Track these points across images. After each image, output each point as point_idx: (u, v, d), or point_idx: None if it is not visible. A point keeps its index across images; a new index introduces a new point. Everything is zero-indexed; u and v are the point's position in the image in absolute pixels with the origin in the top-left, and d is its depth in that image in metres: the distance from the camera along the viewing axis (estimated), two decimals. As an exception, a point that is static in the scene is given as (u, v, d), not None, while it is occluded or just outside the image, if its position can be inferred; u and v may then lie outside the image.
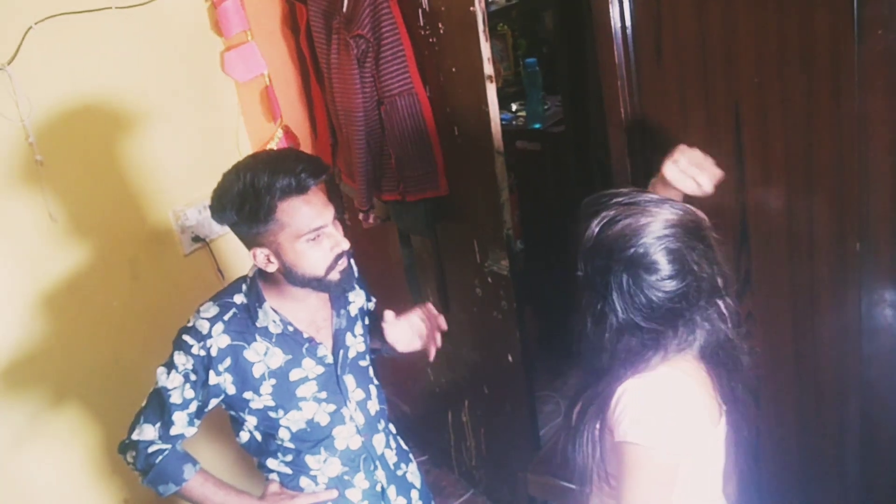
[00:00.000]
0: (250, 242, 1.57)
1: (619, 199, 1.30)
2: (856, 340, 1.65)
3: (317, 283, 1.60)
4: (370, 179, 2.44)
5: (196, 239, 2.58)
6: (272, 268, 1.58)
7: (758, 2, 1.50)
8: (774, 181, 1.62)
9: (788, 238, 1.64)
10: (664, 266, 1.25)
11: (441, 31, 2.17)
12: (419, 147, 2.30)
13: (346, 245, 1.60)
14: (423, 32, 2.22)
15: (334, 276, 1.61)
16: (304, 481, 1.75)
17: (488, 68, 2.08)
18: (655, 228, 1.25)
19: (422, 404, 3.02)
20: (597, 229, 1.28)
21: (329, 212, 1.58)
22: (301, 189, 1.52)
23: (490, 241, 2.32)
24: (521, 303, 2.34)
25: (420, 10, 2.19)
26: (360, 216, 2.66)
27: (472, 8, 2.02)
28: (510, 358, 2.45)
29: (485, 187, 2.25)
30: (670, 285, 1.25)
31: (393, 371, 2.83)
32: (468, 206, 2.36)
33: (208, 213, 2.54)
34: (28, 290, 2.18)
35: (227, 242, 2.63)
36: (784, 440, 1.85)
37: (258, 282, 1.66)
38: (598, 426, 1.36)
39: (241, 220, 1.52)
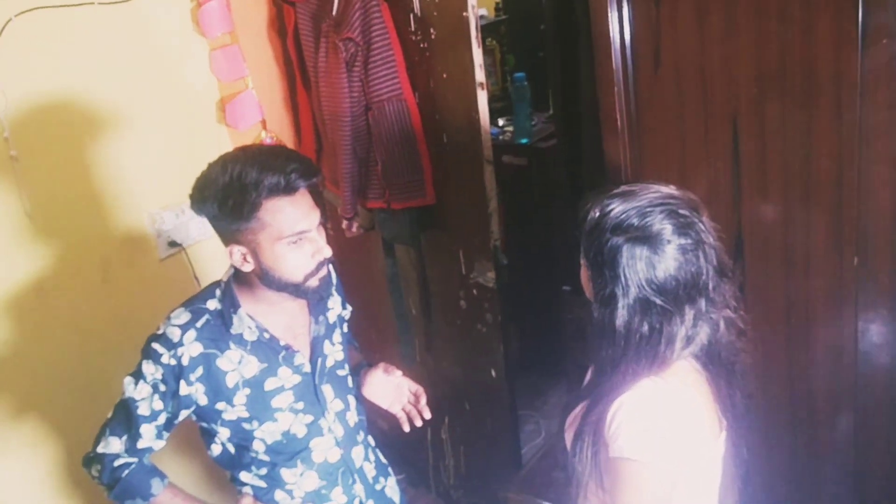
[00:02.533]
0: (228, 239, 1.50)
1: (619, 190, 1.28)
2: (851, 359, 1.61)
3: (293, 289, 1.54)
4: (355, 186, 2.39)
5: (172, 244, 2.50)
6: (248, 267, 1.51)
7: (759, 10, 1.47)
8: (771, 194, 1.58)
9: (784, 252, 1.61)
10: (674, 232, 1.22)
11: (432, 37, 2.12)
12: (406, 154, 2.25)
13: (328, 252, 1.54)
14: (413, 38, 2.17)
15: (313, 282, 1.54)
16: (279, 495, 1.67)
17: (480, 75, 2.04)
18: (657, 199, 1.24)
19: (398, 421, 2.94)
20: (598, 212, 1.25)
21: (315, 216, 1.52)
22: (289, 189, 1.45)
23: (476, 252, 2.27)
24: (506, 316, 2.29)
25: (411, 15, 2.15)
26: (344, 224, 2.60)
27: (464, 13, 1.98)
28: (493, 373, 2.39)
29: (473, 197, 2.20)
30: (681, 252, 1.22)
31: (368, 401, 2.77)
32: (455, 215, 2.31)
33: (186, 217, 2.54)
34: (-6, 290, 2.10)
35: (205, 248, 2.55)
36: (774, 460, 1.81)
37: (233, 286, 1.58)
38: (592, 440, 1.31)
39: (223, 214, 1.45)
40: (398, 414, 1.80)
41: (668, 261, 1.22)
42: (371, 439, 1.86)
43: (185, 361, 1.52)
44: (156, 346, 1.53)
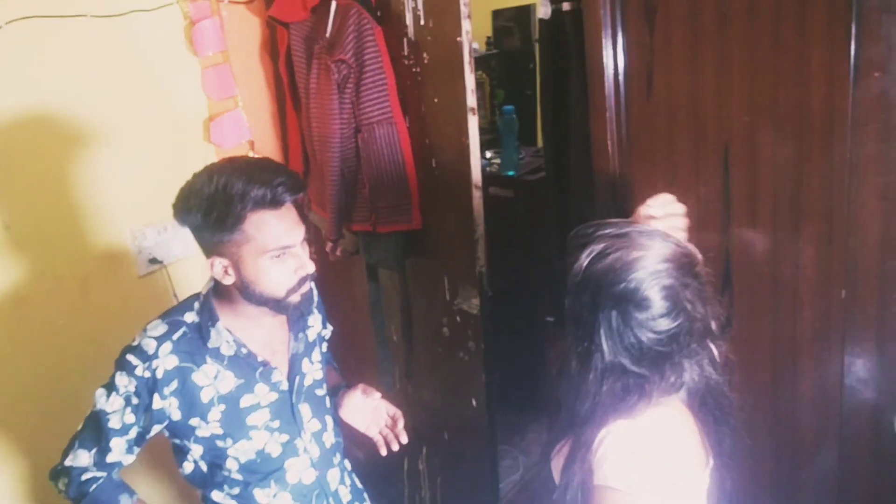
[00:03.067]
0: (210, 250, 1.47)
1: (609, 231, 1.23)
2: (836, 393, 1.60)
3: (274, 304, 1.50)
4: (342, 208, 2.37)
5: (153, 261, 2.46)
6: (228, 280, 1.48)
7: (753, 40, 1.48)
8: (761, 225, 1.58)
9: (773, 283, 1.60)
10: (657, 303, 1.18)
11: (425, 61, 2.12)
12: (394, 178, 2.24)
13: (311, 268, 1.51)
14: (406, 62, 2.18)
15: (294, 298, 1.51)
16: (251, 515, 1.62)
17: (471, 100, 2.04)
18: (648, 263, 1.19)
19: (377, 451, 2.89)
20: (586, 262, 1.21)
21: (299, 231, 1.49)
22: (275, 203, 1.43)
23: (461, 278, 2.25)
24: (489, 344, 2.26)
25: (405, 39, 2.15)
26: (328, 248, 2.58)
27: (458, 38, 1.99)
28: (474, 402, 2.35)
29: (460, 222, 2.18)
30: (662, 324, 1.19)
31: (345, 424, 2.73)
32: (441, 241, 2.29)
33: (168, 234, 2.51)
34: (-32, 299, 2.05)
35: (186, 266, 2.51)
36: (758, 494, 1.78)
37: (212, 299, 1.55)
38: (581, 469, 1.27)
39: (206, 225, 1.42)
40: (375, 437, 1.77)
41: (645, 332, 1.19)
42: (348, 463, 1.82)
43: (159, 374, 1.48)
44: (130, 357, 1.49)
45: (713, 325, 1.24)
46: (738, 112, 1.54)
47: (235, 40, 2.54)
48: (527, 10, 3.86)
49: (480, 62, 3.72)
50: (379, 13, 2.18)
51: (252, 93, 2.62)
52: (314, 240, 2.72)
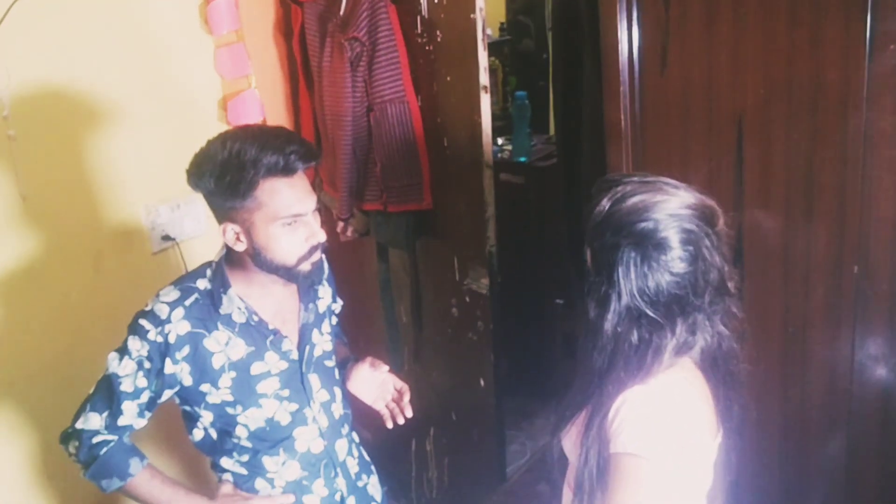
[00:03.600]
0: (222, 216, 1.48)
1: (635, 178, 1.24)
2: (846, 371, 1.59)
3: (285, 272, 1.51)
4: (353, 187, 2.38)
5: (166, 238, 2.48)
6: (240, 247, 1.49)
7: (768, 13, 1.47)
8: (773, 199, 1.57)
9: (784, 259, 1.59)
10: (675, 245, 1.18)
11: (438, 39, 2.13)
12: (406, 157, 2.24)
13: (322, 237, 1.52)
14: (419, 40, 2.18)
15: (304, 266, 1.52)
16: (259, 483, 1.63)
17: (484, 78, 2.04)
18: (671, 206, 1.19)
19: (385, 431, 2.89)
20: (608, 204, 1.21)
21: (311, 200, 1.50)
22: (288, 170, 1.44)
23: (471, 257, 2.25)
24: (497, 324, 2.26)
25: (419, 17, 2.15)
26: (338, 228, 2.58)
27: (472, 15, 1.99)
28: (482, 382, 2.36)
29: (470, 201, 2.18)
30: (679, 267, 1.19)
31: (355, 404, 2.74)
32: (451, 221, 2.30)
33: (181, 211, 2.52)
34: (-18, 269, 2.07)
35: (199, 244, 2.53)
36: (764, 472, 1.78)
37: (224, 267, 1.56)
38: (595, 440, 1.27)
39: (219, 190, 1.43)
40: (381, 410, 1.77)
41: (663, 274, 1.19)
42: (356, 435, 1.82)
43: (171, 339, 1.49)
44: (143, 322, 1.51)
45: (729, 282, 1.24)
46: (752, 86, 1.53)
47: (249, 20, 2.55)
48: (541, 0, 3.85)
49: (493, 48, 3.71)
50: (393, -10, 2.19)
51: (265, 72, 2.63)
52: (325, 221, 2.72)
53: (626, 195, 1.21)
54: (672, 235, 1.18)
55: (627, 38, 1.66)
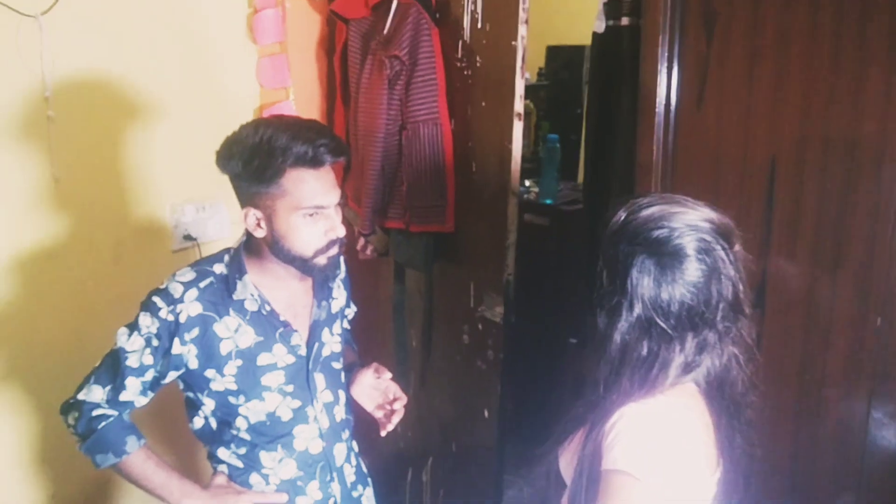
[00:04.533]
0: (246, 200, 1.49)
1: (651, 197, 1.24)
2: (861, 433, 1.55)
3: (301, 264, 1.51)
4: (378, 204, 2.38)
5: (188, 237, 2.49)
6: (260, 233, 1.50)
7: (812, 57, 1.48)
8: (801, 245, 1.56)
9: (807, 306, 1.57)
10: (691, 254, 1.17)
11: (477, 65, 2.15)
12: (433, 178, 2.25)
13: (341, 232, 1.53)
14: (459, 64, 2.21)
15: (321, 260, 1.52)
16: (254, 478, 1.61)
17: (518, 105, 2.05)
18: (688, 218, 1.19)
19: (382, 458, 2.86)
20: (624, 214, 1.22)
21: (335, 194, 1.51)
22: (315, 162, 1.45)
23: (488, 284, 2.24)
24: (508, 354, 2.24)
25: (460, 42, 2.18)
26: (358, 246, 2.59)
27: (513, 42, 2.01)
28: (486, 413, 2.32)
29: (493, 227, 2.18)
30: (694, 276, 1.17)
31: (357, 419, 2.71)
32: (471, 246, 2.29)
33: (206, 213, 2.54)
34: (5, 245, 2.07)
35: (219, 248, 2.52)
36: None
37: (242, 254, 1.57)
38: (590, 450, 1.25)
39: (246, 174, 1.44)
40: (378, 417, 1.74)
41: (676, 284, 1.18)
42: (355, 444, 1.79)
43: (182, 319, 1.49)
44: (156, 299, 1.51)
45: (744, 303, 1.22)
46: (789, 129, 1.53)
47: (294, 33, 2.59)
48: (580, 52, 3.89)
49: (529, 92, 3.73)
50: (437, 15, 2.23)
51: (304, 85, 2.67)
52: (345, 239, 2.73)
53: (644, 206, 1.21)
54: (688, 244, 1.17)
55: (667, 71, 1.67)
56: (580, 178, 3.68)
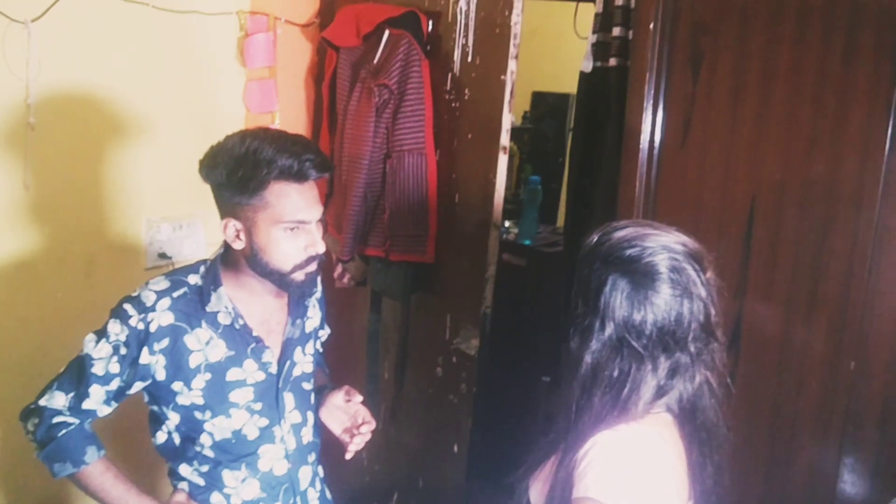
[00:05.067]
0: (227, 211, 1.48)
1: (626, 222, 1.26)
2: (832, 476, 1.54)
3: (278, 278, 1.49)
4: (358, 230, 2.37)
5: (163, 256, 2.46)
6: (239, 245, 1.48)
7: (794, 97, 1.51)
8: (777, 285, 1.57)
9: (782, 347, 1.57)
10: (663, 272, 1.18)
11: (465, 97, 2.17)
12: (416, 208, 2.25)
13: (321, 248, 1.51)
14: (447, 96, 2.22)
15: (299, 276, 1.50)
16: (216, 497, 1.56)
17: (504, 139, 2.07)
18: (662, 240, 1.21)
19: (347, 492, 2.79)
20: (598, 235, 1.24)
21: (317, 210, 1.50)
22: (300, 176, 1.44)
23: (465, 317, 2.22)
24: (481, 388, 2.21)
25: (450, 74, 2.20)
26: (335, 274, 2.57)
27: (502, 77, 2.03)
28: (455, 448, 2.29)
29: (472, 259, 2.18)
30: (666, 295, 1.18)
31: (325, 449, 2.66)
32: (450, 277, 2.28)
33: (183, 233, 2.51)
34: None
35: (193, 267, 2.50)
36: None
37: (219, 266, 1.54)
38: (562, 478, 1.23)
39: (229, 183, 1.43)
40: (345, 440, 1.69)
41: (648, 303, 1.18)
42: (321, 470, 1.75)
43: (152, 328, 1.46)
44: (127, 306, 1.48)
45: (716, 325, 1.22)
46: (769, 168, 1.55)
47: (284, 59, 2.61)
48: (565, 99, 3.95)
49: (514, 134, 3.76)
50: (429, 47, 2.25)
51: (290, 111, 2.67)
52: (325, 266, 2.71)
53: (618, 228, 1.23)
54: (660, 262, 1.18)
55: (652, 110, 1.69)
56: (560, 222, 3.71)
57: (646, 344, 1.18)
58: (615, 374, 1.20)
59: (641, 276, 1.18)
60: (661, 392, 1.22)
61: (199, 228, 2.53)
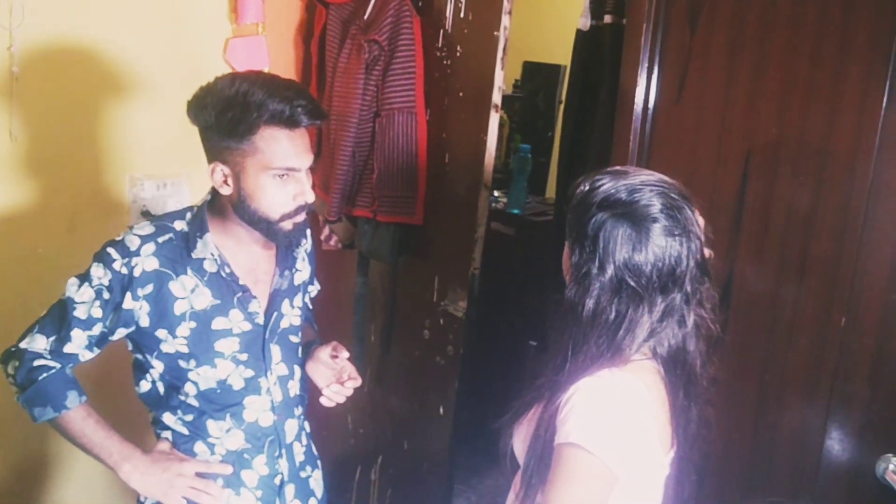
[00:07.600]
0: (214, 155, 1.44)
1: (610, 169, 1.26)
2: (819, 433, 1.54)
3: (266, 226, 1.46)
4: (346, 191, 2.34)
5: (146, 213, 2.42)
6: (226, 190, 1.44)
7: (792, 49, 1.49)
8: (770, 241, 1.56)
9: (773, 305, 1.56)
10: (657, 213, 1.18)
11: (458, 54, 2.14)
12: (405, 168, 2.22)
13: (310, 197, 1.48)
14: (438, 53, 2.19)
15: (287, 225, 1.47)
16: (199, 447, 1.54)
17: (497, 97, 2.04)
18: (652, 181, 1.21)
19: (331, 455, 2.78)
20: (587, 187, 1.23)
21: (307, 158, 1.47)
22: (291, 122, 1.40)
23: (453, 278, 2.21)
24: (468, 349, 2.20)
25: (441, 31, 2.17)
26: (322, 236, 2.54)
27: (496, 33, 2.00)
28: (441, 410, 2.28)
29: (462, 220, 2.15)
30: (663, 233, 1.18)
31: (312, 403, 2.64)
32: (438, 239, 2.26)
33: (167, 191, 2.47)
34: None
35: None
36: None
37: (206, 212, 1.51)
38: (544, 425, 1.22)
39: (218, 125, 1.39)
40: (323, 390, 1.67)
41: (649, 243, 1.18)
42: (307, 425, 1.73)
43: (136, 273, 1.43)
44: (110, 250, 1.45)
45: (709, 258, 1.24)
46: (765, 123, 1.53)
47: (274, 14, 2.56)
48: (556, 70, 3.91)
49: (505, 103, 3.73)
50: (420, 3, 2.22)
51: (278, 69, 2.62)
52: (311, 228, 2.68)
53: (608, 173, 1.23)
54: (655, 202, 1.19)
55: (647, 65, 1.67)
56: (548, 194, 3.68)
57: (645, 284, 1.18)
58: (612, 315, 1.20)
59: (640, 217, 1.18)
60: (652, 334, 1.21)
61: (183, 188, 2.50)
